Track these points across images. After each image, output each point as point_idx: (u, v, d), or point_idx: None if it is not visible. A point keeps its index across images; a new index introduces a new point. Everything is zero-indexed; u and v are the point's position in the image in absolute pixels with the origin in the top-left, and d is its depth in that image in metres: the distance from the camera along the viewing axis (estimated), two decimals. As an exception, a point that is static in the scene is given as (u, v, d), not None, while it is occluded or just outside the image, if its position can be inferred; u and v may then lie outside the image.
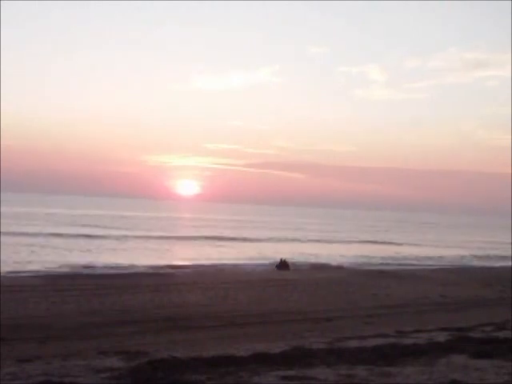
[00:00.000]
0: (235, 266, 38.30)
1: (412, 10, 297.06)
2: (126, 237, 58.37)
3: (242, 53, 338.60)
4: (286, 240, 65.99)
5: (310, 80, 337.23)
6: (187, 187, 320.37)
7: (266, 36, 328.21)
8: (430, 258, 50.45)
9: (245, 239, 63.85)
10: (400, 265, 43.23)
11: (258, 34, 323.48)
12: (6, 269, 30.38)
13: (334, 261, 44.13)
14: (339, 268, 39.13)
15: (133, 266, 34.72)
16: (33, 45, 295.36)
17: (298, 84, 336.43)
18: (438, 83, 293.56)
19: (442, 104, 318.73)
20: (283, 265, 36.45)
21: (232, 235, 67.98)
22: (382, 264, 43.31)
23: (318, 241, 66.82)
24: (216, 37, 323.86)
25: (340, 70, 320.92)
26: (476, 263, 48.03)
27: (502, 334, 12.95)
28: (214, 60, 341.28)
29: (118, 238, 57.04)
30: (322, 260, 44.65)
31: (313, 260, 44.36)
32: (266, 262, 40.41)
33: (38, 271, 30.68)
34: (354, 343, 11.64)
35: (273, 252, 47.18)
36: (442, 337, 12.48)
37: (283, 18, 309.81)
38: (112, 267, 34.02)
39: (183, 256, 46.41)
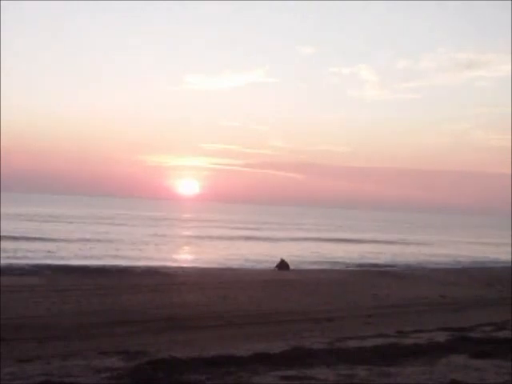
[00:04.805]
0: (235, 265, 38.29)
1: (403, 10, 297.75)
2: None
3: (237, 53, 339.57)
4: (286, 240, 65.96)
5: (303, 80, 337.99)
6: (185, 187, 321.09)
7: (259, 37, 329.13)
8: (430, 258, 50.45)
9: (244, 239, 63.83)
10: (400, 265, 43.23)
11: (253, 34, 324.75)
12: (5, 269, 30.35)
13: (334, 260, 44.14)
14: (339, 268, 39.13)
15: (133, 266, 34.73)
16: (32, 45, 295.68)
17: (290, 84, 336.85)
18: (429, 83, 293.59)
19: (433, 104, 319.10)
20: (283, 265, 36.42)
21: (231, 235, 67.98)
22: (382, 264, 43.31)
23: (317, 240, 66.81)
24: (212, 37, 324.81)
25: (332, 70, 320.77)
26: (475, 263, 48.01)
27: (501, 334, 12.94)
28: (210, 60, 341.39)
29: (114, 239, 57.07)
30: (322, 260, 44.65)
31: (313, 260, 44.35)
32: (266, 262, 40.41)
33: (37, 271, 30.65)
34: (354, 343, 11.62)
35: (272, 252, 47.17)
36: (442, 337, 12.46)
37: (276, 18, 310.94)
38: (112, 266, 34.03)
39: (183, 256, 46.43)
